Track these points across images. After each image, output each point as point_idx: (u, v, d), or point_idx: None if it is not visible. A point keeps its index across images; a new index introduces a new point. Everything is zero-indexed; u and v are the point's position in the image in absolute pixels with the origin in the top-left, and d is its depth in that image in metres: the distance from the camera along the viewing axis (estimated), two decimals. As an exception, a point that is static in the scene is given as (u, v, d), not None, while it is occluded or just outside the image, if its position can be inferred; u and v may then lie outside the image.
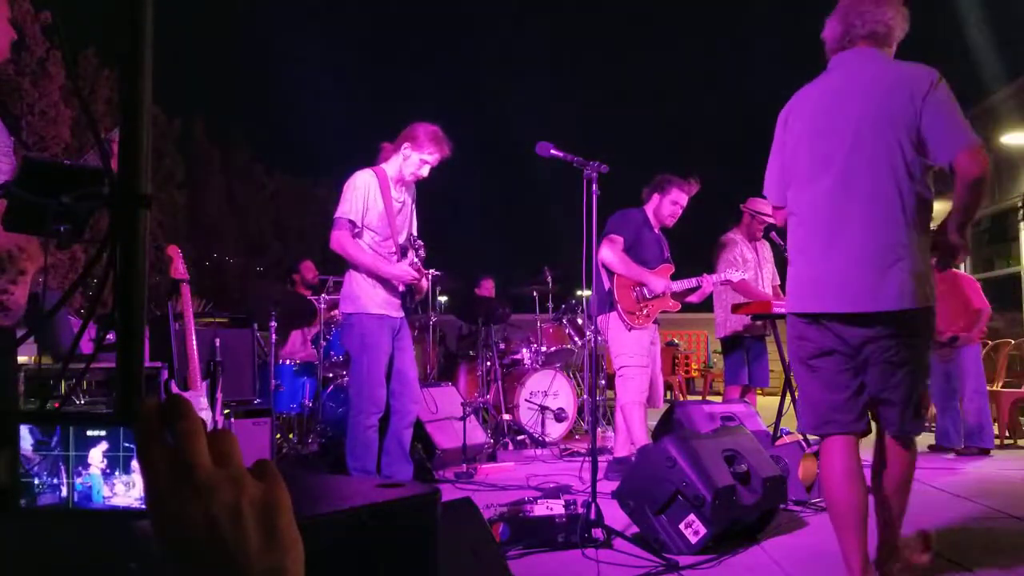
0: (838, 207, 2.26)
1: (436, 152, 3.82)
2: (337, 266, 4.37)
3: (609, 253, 4.44)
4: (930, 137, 2.19)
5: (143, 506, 0.56)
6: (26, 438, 0.57)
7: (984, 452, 5.50)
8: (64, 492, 0.57)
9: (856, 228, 2.22)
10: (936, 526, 3.18)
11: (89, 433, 0.57)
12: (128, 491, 0.57)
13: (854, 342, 2.27)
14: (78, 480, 0.57)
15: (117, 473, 0.57)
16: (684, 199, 4.72)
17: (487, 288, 8.08)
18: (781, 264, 5.66)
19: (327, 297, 5.52)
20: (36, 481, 0.57)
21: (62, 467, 0.57)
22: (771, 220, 5.25)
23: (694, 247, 5.81)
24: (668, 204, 4.68)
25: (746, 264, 5.18)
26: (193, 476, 0.48)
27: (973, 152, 2.15)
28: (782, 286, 5.60)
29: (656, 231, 4.73)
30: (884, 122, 2.22)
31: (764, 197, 5.28)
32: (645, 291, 4.49)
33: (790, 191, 2.43)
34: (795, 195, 2.41)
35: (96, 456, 0.57)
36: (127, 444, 0.57)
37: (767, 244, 5.46)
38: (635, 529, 2.94)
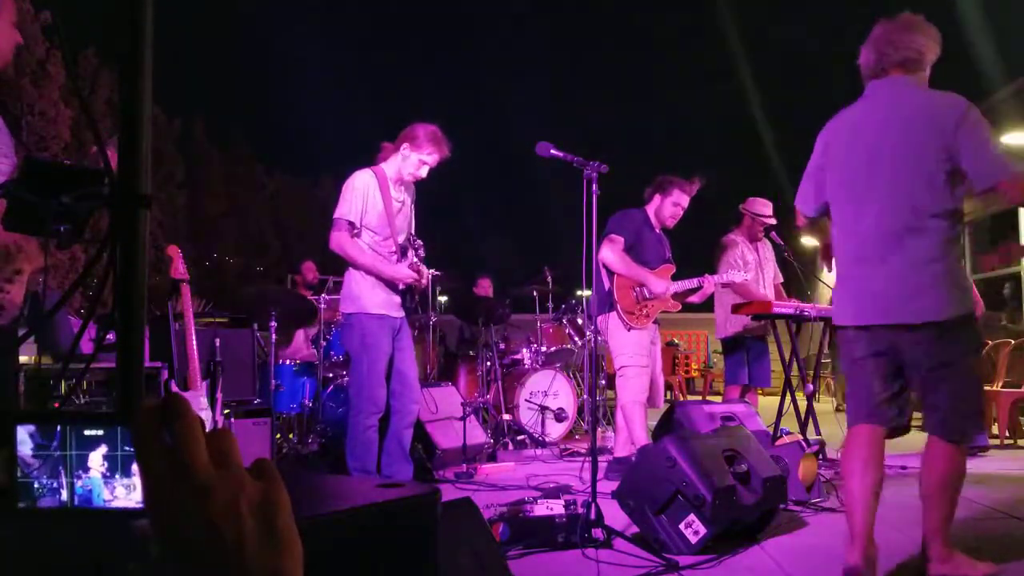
0: (879, 228, 2.43)
1: (435, 152, 3.82)
2: (338, 266, 4.36)
3: (609, 253, 4.44)
4: (969, 167, 2.34)
5: (142, 506, 0.55)
6: (26, 442, 0.56)
7: (981, 450, 5.50)
8: (64, 496, 0.57)
9: (897, 247, 2.39)
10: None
11: (88, 434, 0.57)
12: (129, 494, 0.57)
13: (900, 348, 2.45)
14: (78, 483, 0.57)
15: (117, 476, 0.57)
16: (686, 200, 4.72)
17: (484, 287, 8.08)
18: (782, 264, 5.67)
19: (327, 297, 5.52)
20: (36, 484, 0.57)
21: (62, 470, 0.57)
22: (770, 221, 5.27)
23: (695, 248, 5.80)
24: (669, 205, 4.68)
25: (747, 265, 5.18)
26: (191, 476, 0.48)
27: (1014, 183, 2.33)
28: (785, 285, 5.61)
29: (657, 231, 4.72)
30: (917, 148, 2.37)
31: (763, 197, 5.31)
32: (645, 291, 4.49)
33: (833, 211, 2.61)
34: (837, 215, 2.60)
35: (96, 460, 0.57)
36: (127, 447, 0.57)
37: (768, 244, 5.47)
38: (635, 529, 2.93)
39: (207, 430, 0.50)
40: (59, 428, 0.57)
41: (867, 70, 2.54)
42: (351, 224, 3.73)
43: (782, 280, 5.57)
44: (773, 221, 5.33)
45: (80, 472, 0.57)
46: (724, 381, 5.56)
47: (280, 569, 0.48)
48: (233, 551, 0.47)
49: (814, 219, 2.73)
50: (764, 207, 5.34)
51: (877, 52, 2.49)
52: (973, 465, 5.02)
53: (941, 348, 2.38)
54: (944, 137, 2.33)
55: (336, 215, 3.76)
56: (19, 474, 0.57)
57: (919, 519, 3.12)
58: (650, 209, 4.74)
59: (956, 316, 2.36)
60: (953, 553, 2.49)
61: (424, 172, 3.87)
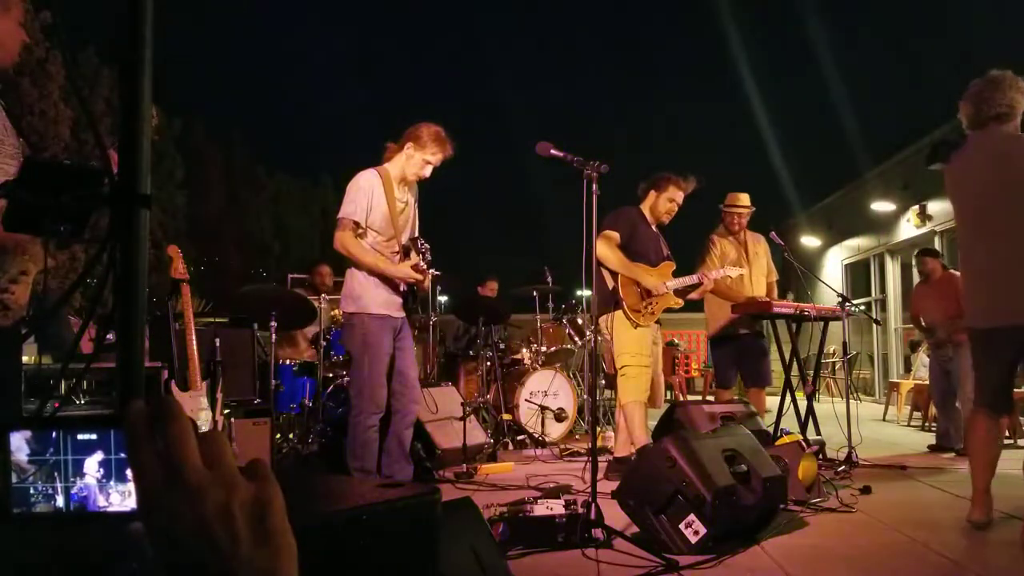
0: (988, 246, 3.02)
1: (439, 152, 3.82)
2: (338, 266, 4.36)
3: (605, 249, 4.39)
4: None
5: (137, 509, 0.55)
6: (21, 448, 0.56)
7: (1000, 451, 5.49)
8: (59, 501, 0.57)
9: (1009, 260, 2.94)
10: (937, 525, 3.18)
11: (83, 438, 0.57)
12: (124, 500, 0.57)
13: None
14: (73, 489, 0.57)
15: (113, 482, 0.57)
16: (681, 196, 4.71)
17: (491, 288, 8.05)
18: (781, 265, 5.66)
19: (327, 297, 5.52)
20: (31, 490, 0.57)
21: (57, 476, 0.57)
22: (736, 210, 5.25)
23: (697, 247, 5.78)
24: (665, 201, 4.67)
25: (725, 259, 5.16)
26: (183, 478, 0.48)
27: None
28: (784, 285, 5.59)
29: (653, 228, 4.72)
30: (1010, 186, 2.96)
31: (740, 191, 5.39)
32: (649, 288, 4.48)
33: (960, 236, 3.24)
34: (963, 237, 3.21)
35: (91, 465, 0.57)
36: (122, 453, 0.57)
37: (760, 239, 5.43)
38: (635, 529, 2.93)
39: (207, 430, 0.50)
40: (54, 434, 0.57)
41: (967, 120, 3.11)
42: (356, 224, 3.73)
43: (777, 278, 5.54)
44: (741, 210, 5.28)
45: (75, 478, 0.57)
46: (715, 384, 5.53)
47: (274, 569, 0.48)
48: (226, 552, 0.47)
49: None
50: (733, 198, 5.33)
51: (975, 107, 3.05)
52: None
53: None
54: None
55: (341, 215, 3.75)
56: (14, 480, 0.57)
57: (918, 520, 3.14)
58: (645, 206, 4.72)
59: None
60: None
61: (428, 172, 3.87)
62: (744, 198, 5.31)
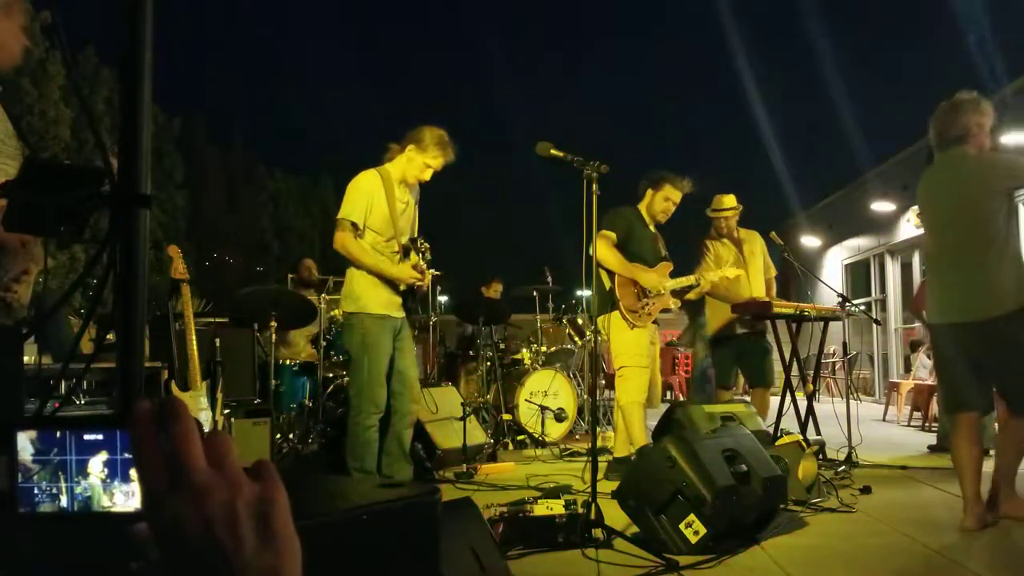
0: (946, 256, 3.32)
1: (440, 156, 3.82)
2: (339, 265, 4.36)
3: (602, 249, 4.36)
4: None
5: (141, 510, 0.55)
6: (26, 448, 0.57)
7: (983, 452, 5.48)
8: (64, 501, 0.57)
9: (960, 267, 3.22)
10: (937, 525, 3.18)
11: (88, 439, 0.57)
12: (127, 500, 0.57)
13: (978, 342, 3.17)
14: (77, 489, 0.57)
15: (117, 482, 0.57)
16: (677, 196, 4.69)
17: (495, 290, 8.04)
18: (782, 265, 5.65)
19: (327, 297, 5.52)
20: (36, 490, 0.57)
21: (61, 475, 0.57)
22: (720, 214, 5.23)
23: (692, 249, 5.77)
24: (660, 200, 4.65)
25: (720, 262, 5.15)
26: (188, 478, 0.48)
27: None
28: (784, 285, 5.57)
29: (651, 229, 4.71)
30: (967, 202, 3.23)
31: (725, 194, 5.42)
32: (647, 289, 4.47)
33: (928, 241, 3.52)
34: (930, 245, 3.52)
35: (96, 465, 0.57)
36: (127, 453, 0.57)
37: (756, 237, 5.40)
38: (635, 529, 2.93)
39: (212, 430, 0.50)
40: (59, 433, 0.57)
41: (933, 141, 3.38)
42: (355, 225, 3.72)
43: (776, 273, 5.52)
44: (727, 212, 5.27)
45: (80, 479, 0.57)
46: (715, 384, 5.52)
47: (278, 569, 0.48)
48: (230, 553, 0.47)
49: None
50: (718, 202, 5.32)
51: (936, 131, 3.34)
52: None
53: (1002, 341, 3.10)
54: (984, 188, 3.17)
55: (340, 215, 3.76)
56: (19, 479, 0.57)
57: (918, 519, 3.15)
58: (642, 206, 4.71)
59: (1007, 312, 3.06)
60: (1016, 496, 3.22)
61: (428, 175, 3.86)
62: (728, 200, 5.29)
